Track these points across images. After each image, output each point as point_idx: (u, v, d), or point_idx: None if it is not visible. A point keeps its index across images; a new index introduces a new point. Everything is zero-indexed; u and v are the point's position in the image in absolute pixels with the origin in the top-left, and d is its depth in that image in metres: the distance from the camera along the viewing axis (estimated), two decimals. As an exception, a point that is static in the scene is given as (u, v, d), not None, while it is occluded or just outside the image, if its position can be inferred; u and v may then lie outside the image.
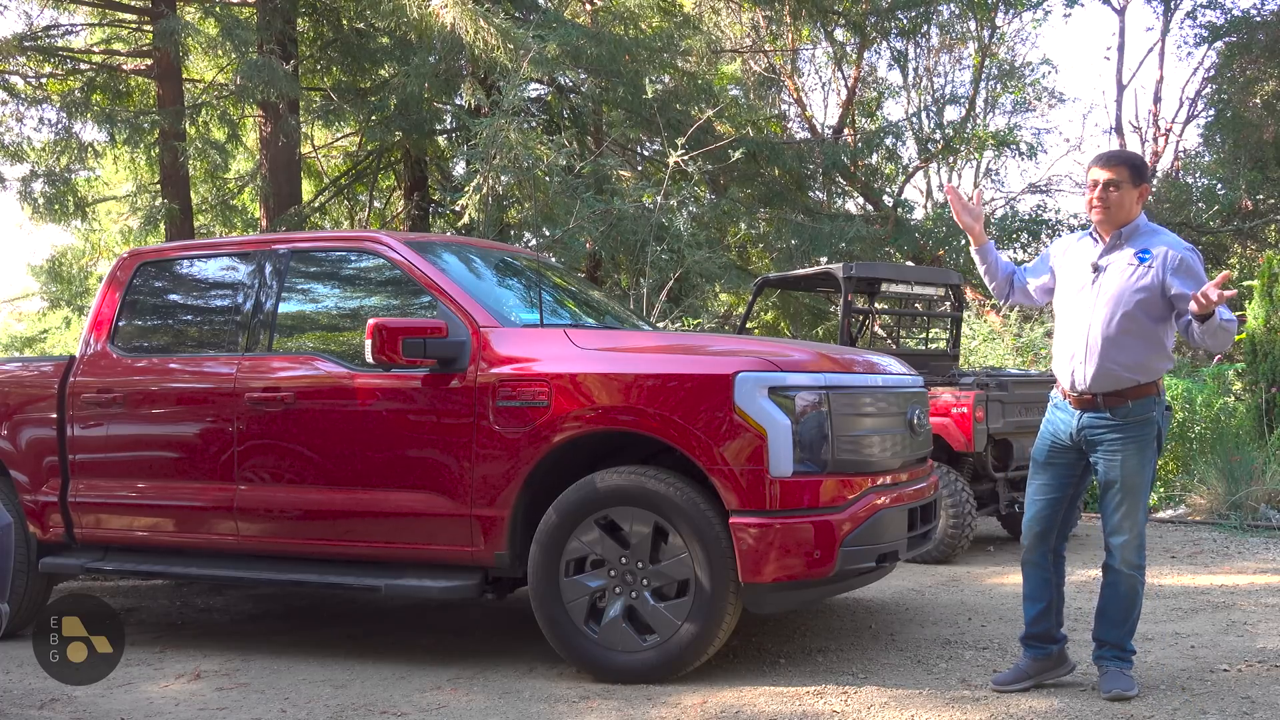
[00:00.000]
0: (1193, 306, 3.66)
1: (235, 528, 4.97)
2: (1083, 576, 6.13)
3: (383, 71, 13.03)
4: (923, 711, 3.89)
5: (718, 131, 13.44)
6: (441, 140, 14.48)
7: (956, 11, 17.76)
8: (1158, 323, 3.87)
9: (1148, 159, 19.88)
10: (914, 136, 18.57)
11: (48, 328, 22.77)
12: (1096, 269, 3.92)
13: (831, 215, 15.32)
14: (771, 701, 4.04)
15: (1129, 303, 3.83)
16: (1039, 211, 18.42)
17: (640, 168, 15.16)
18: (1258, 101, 17.50)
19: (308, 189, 14.85)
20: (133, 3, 12.78)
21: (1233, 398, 11.13)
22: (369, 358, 4.45)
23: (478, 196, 9.52)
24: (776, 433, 4.12)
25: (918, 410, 4.86)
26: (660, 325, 9.01)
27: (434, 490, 4.58)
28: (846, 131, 18.07)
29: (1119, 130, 19.95)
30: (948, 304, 8.86)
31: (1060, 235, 4.43)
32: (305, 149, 14.20)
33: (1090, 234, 4.02)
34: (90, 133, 12.64)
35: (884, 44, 17.75)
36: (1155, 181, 18.62)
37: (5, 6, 15.06)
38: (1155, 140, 19.90)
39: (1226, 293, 3.60)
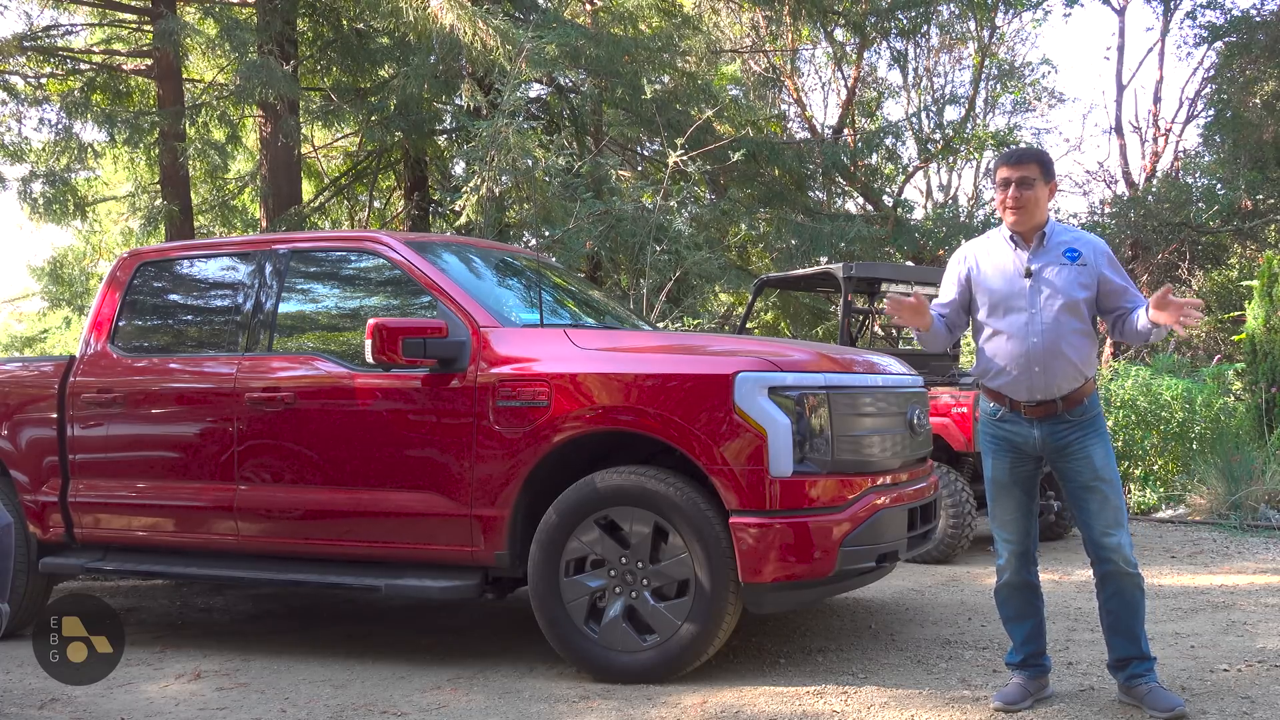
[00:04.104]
0: (1161, 318, 3.61)
1: (235, 528, 4.97)
2: (1084, 575, 6.13)
3: (382, 72, 13.04)
4: (923, 711, 3.89)
5: (717, 131, 13.43)
6: (441, 140, 14.49)
7: (956, 11, 17.76)
8: (1093, 318, 3.83)
9: (1148, 159, 19.90)
10: (914, 136, 18.58)
11: (48, 328, 22.80)
12: (1030, 275, 3.78)
13: (831, 215, 15.31)
14: (771, 701, 4.04)
15: (1074, 303, 3.76)
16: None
17: (640, 168, 15.17)
18: (1258, 101, 17.50)
19: (308, 189, 14.85)
20: (133, 3, 12.79)
21: (1233, 398, 11.14)
22: (369, 358, 4.45)
23: (475, 198, 9.52)
24: (776, 433, 4.12)
25: (918, 410, 4.85)
26: (660, 325, 9.01)
27: (434, 490, 4.58)
28: (846, 131, 18.07)
29: (1119, 130, 19.97)
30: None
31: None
32: (305, 149, 14.21)
33: (1008, 239, 3.86)
34: (90, 133, 12.68)
35: (884, 44, 17.76)
36: (1155, 181, 18.64)
37: (5, 7, 15.09)
38: (1155, 140, 19.91)
39: (1190, 316, 3.57)
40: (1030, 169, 3.80)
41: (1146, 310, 3.69)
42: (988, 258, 3.91)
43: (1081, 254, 3.80)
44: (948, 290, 4.00)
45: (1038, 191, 3.80)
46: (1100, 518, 3.79)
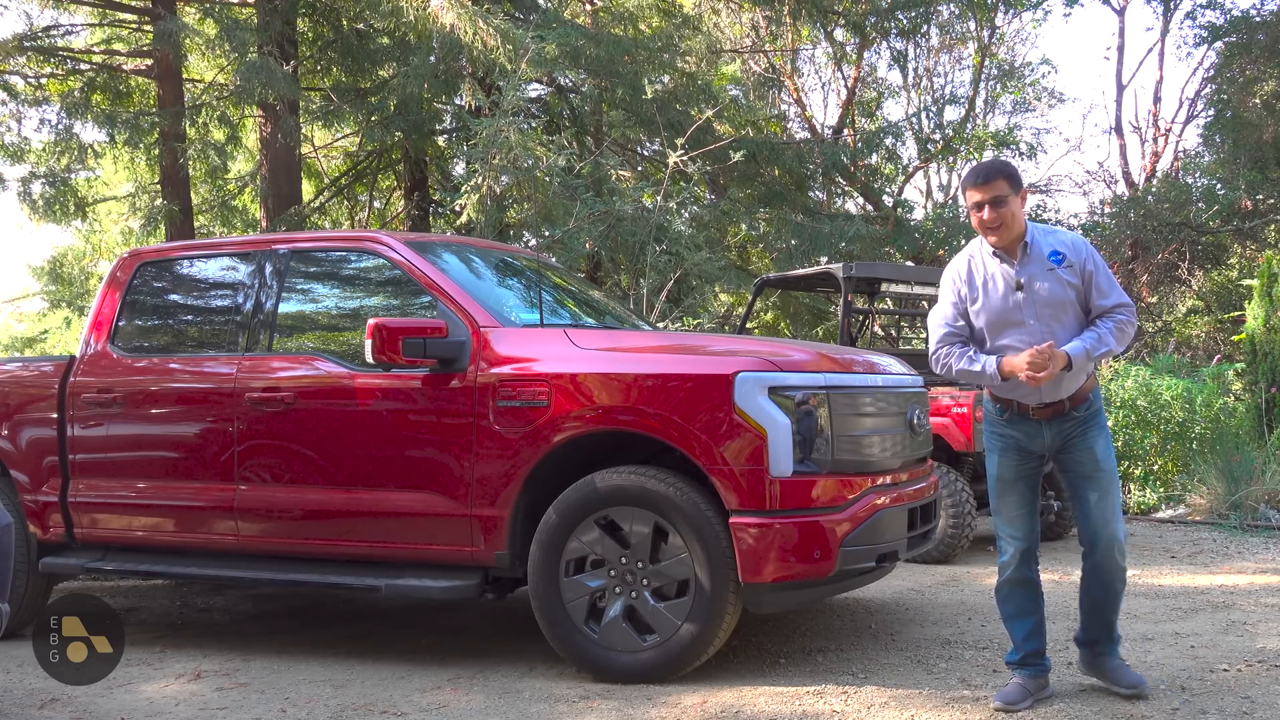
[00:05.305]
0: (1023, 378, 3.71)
1: (235, 528, 4.97)
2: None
3: (382, 72, 13.04)
4: (923, 711, 3.89)
5: (717, 132, 13.43)
6: (441, 140, 14.49)
7: (956, 11, 17.77)
8: (1086, 314, 3.86)
9: (1148, 159, 19.90)
10: (914, 137, 18.59)
11: (48, 328, 22.81)
12: (1021, 287, 3.81)
13: (831, 215, 15.32)
14: (771, 701, 4.04)
15: (1065, 306, 3.81)
16: (1039, 212, 18.45)
17: (640, 168, 15.16)
18: (1258, 101, 17.50)
19: (308, 189, 14.85)
20: (133, 3, 12.79)
21: (1233, 398, 11.14)
22: (369, 358, 4.45)
23: (476, 196, 9.52)
24: (776, 433, 4.12)
25: (918, 410, 4.86)
26: (660, 325, 9.01)
27: (434, 490, 4.58)
28: (846, 131, 18.08)
29: (1119, 130, 19.97)
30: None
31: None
32: (305, 149, 14.20)
33: (992, 254, 3.87)
34: (90, 133, 12.69)
35: (884, 44, 17.76)
36: (1155, 181, 18.63)
37: (5, 7, 15.10)
38: (1155, 140, 19.91)
39: (1040, 375, 3.67)
40: (999, 186, 3.78)
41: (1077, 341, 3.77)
42: (977, 275, 3.91)
43: (1065, 255, 3.82)
44: (950, 311, 3.97)
45: (1011, 206, 3.79)
46: (1100, 507, 3.87)
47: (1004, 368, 3.78)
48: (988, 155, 18.83)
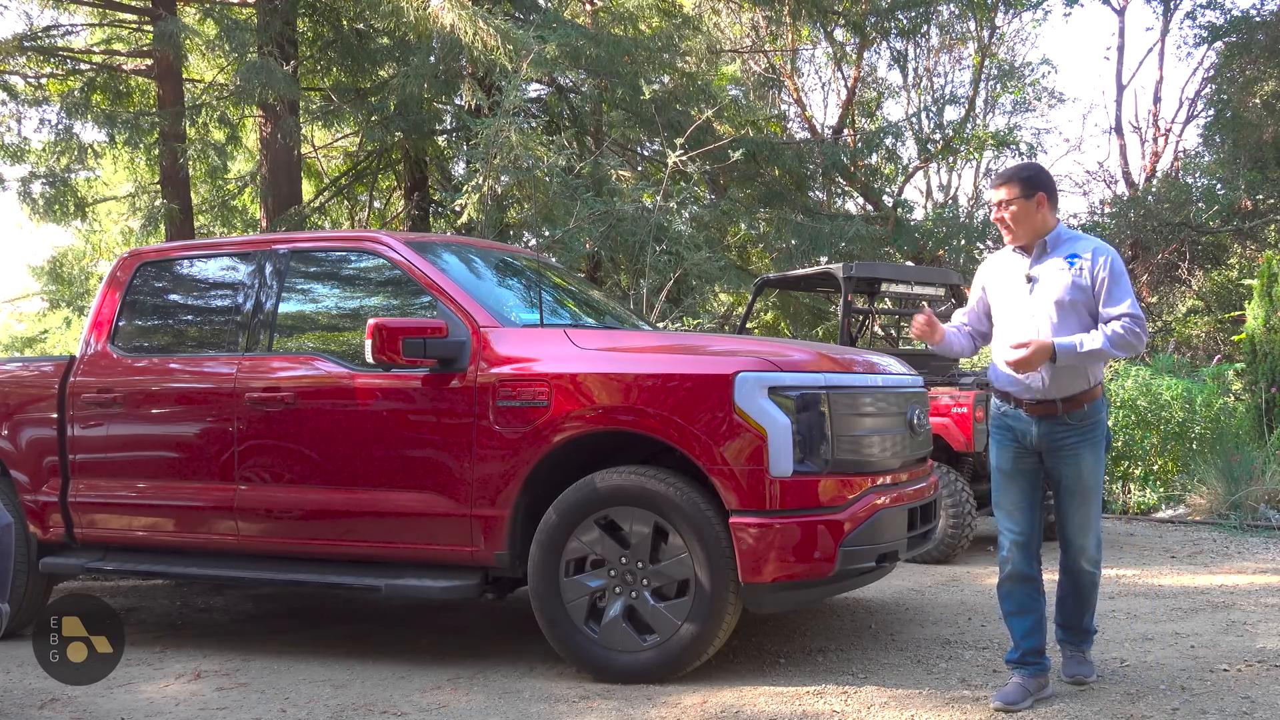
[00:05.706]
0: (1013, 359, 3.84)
1: (235, 528, 4.97)
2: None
3: (382, 72, 13.03)
4: (923, 711, 3.89)
5: (717, 132, 13.43)
6: (441, 140, 14.49)
7: (956, 11, 17.76)
8: (1095, 321, 3.89)
9: (1148, 159, 19.89)
10: (914, 137, 18.57)
11: (48, 328, 22.81)
12: (1030, 279, 3.95)
13: (831, 215, 15.31)
14: (771, 701, 4.04)
15: (1069, 305, 3.88)
16: (1038, 211, 18.41)
17: (640, 168, 15.16)
18: (1258, 101, 17.50)
19: (308, 189, 14.85)
20: (133, 3, 12.79)
21: (1233, 398, 11.14)
22: (369, 358, 4.45)
23: (476, 196, 9.52)
24: (776, 433, 4.13)
25: (918, 410, 4.86)
26: (660, 325, 9.01)
27: (434, 490, 4.58)
28: (846, 131, 18.07)
29: (1119, 130, 19.96)
30: (948, 304, 8.87)
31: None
32: (305, 149, 14.20)
33: (1015, 250, 4.05)
34: (90, 133, 12.68)
35: (884, 44, 17.75)
36: (1155, 181, 18.62)
37: (5, 7, 15.09)
38: (1155, 140, 19.91)
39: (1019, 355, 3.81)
40: (1008, 189, 3.98)
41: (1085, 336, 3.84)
42: (999, 269, 4.11)
43: (1080, 257, 3.91)
44: (970, 303, 4.23)
45: (1020, 209, 3.95)
46: (1075, 519, 4.03)
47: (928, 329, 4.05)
48: (988, 155, 18.88)
